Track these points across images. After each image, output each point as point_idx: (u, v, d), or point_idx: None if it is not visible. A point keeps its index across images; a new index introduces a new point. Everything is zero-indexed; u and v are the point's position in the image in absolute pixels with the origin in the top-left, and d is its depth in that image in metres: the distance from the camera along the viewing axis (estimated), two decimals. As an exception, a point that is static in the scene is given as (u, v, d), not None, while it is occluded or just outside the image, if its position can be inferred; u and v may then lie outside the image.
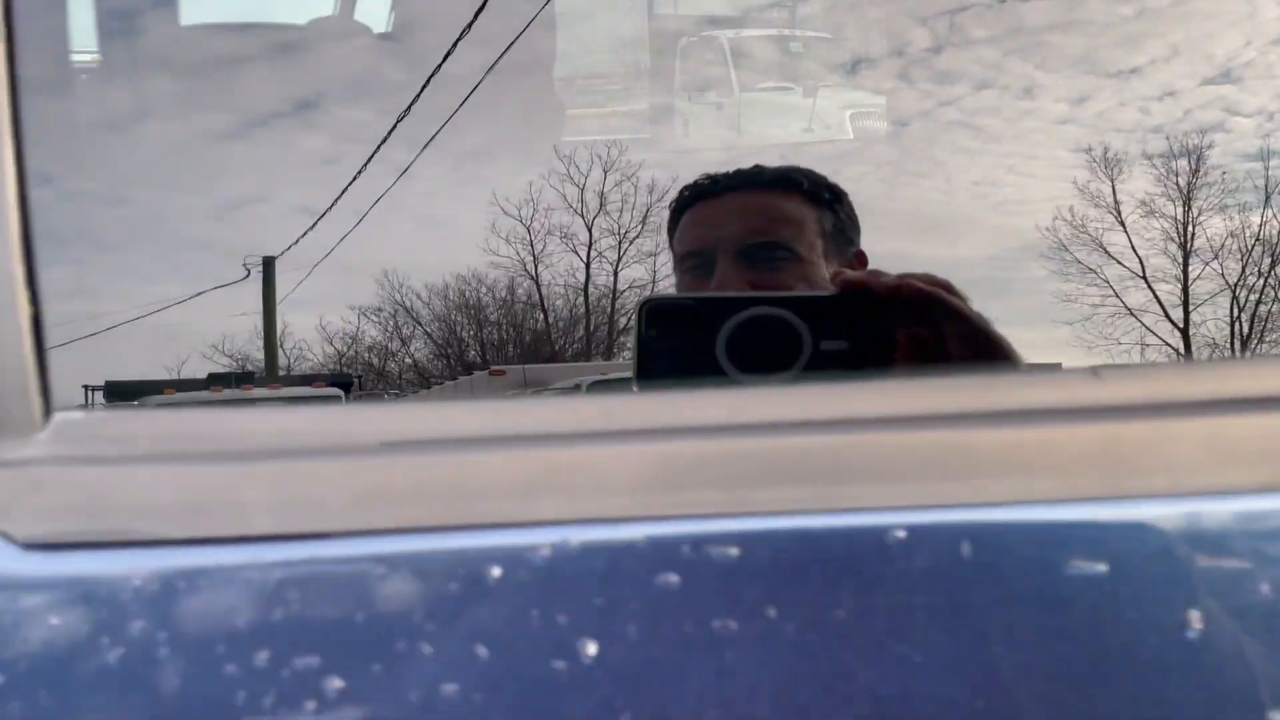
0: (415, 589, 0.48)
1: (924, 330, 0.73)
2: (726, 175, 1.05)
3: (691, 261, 1.02)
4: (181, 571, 0.48)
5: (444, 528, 0.48)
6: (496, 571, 0.47)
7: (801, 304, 0.70)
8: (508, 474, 0.48)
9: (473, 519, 0.48)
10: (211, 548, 0.48)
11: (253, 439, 0.50)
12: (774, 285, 0.95)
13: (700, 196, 1.05)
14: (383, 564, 0.48)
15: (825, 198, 1.04)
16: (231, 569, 0.48)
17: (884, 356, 0.70)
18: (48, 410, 0.51)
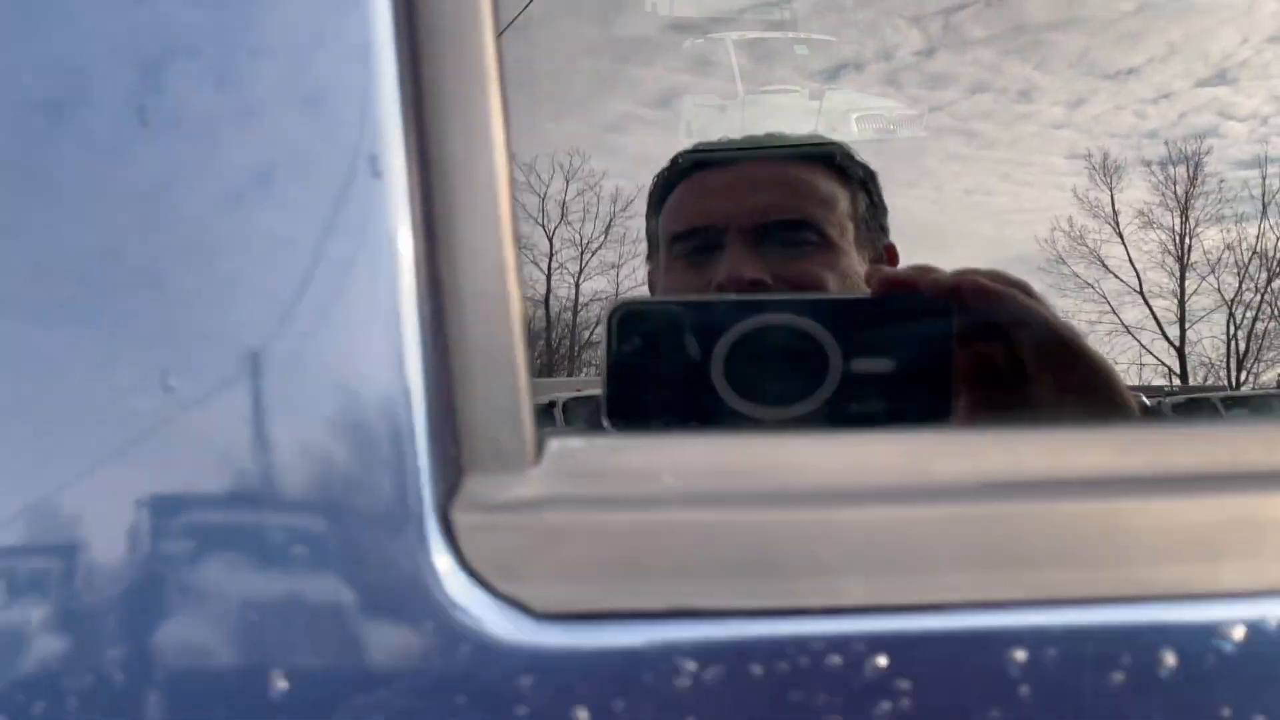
0: (1061, 679, 0.37)
1: (994, 346, 0.57)
2: (736, 141, 0.86)
3: (689, 242, 0.83)
4: (749, 651, 0.37)
5: (1097, 599, 0.37)
6: (1171, 659, 0.37)
7: (827, 310, 0.54)
8: (1181, 528, 0.37)
9: (1139, 588, 0.37)
10: (785, 620, 0.38)
11: (821, 475, 0.39)
12: (798, 275, 0.78)
13: (703, 164, 0.85)
14: (1020, 644, 0.37)
15: (858, 175, 0.86)
16: (817, 649, 0.37)
17: (938, 382, 0.53)
18: (540, 436, 0.40)
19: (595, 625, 0.38)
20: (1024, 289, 0.57)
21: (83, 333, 0.38)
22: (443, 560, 0.38)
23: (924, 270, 0.56)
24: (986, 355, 0.57)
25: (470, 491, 0.39)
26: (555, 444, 0.40)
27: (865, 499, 0.39)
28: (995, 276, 0.56)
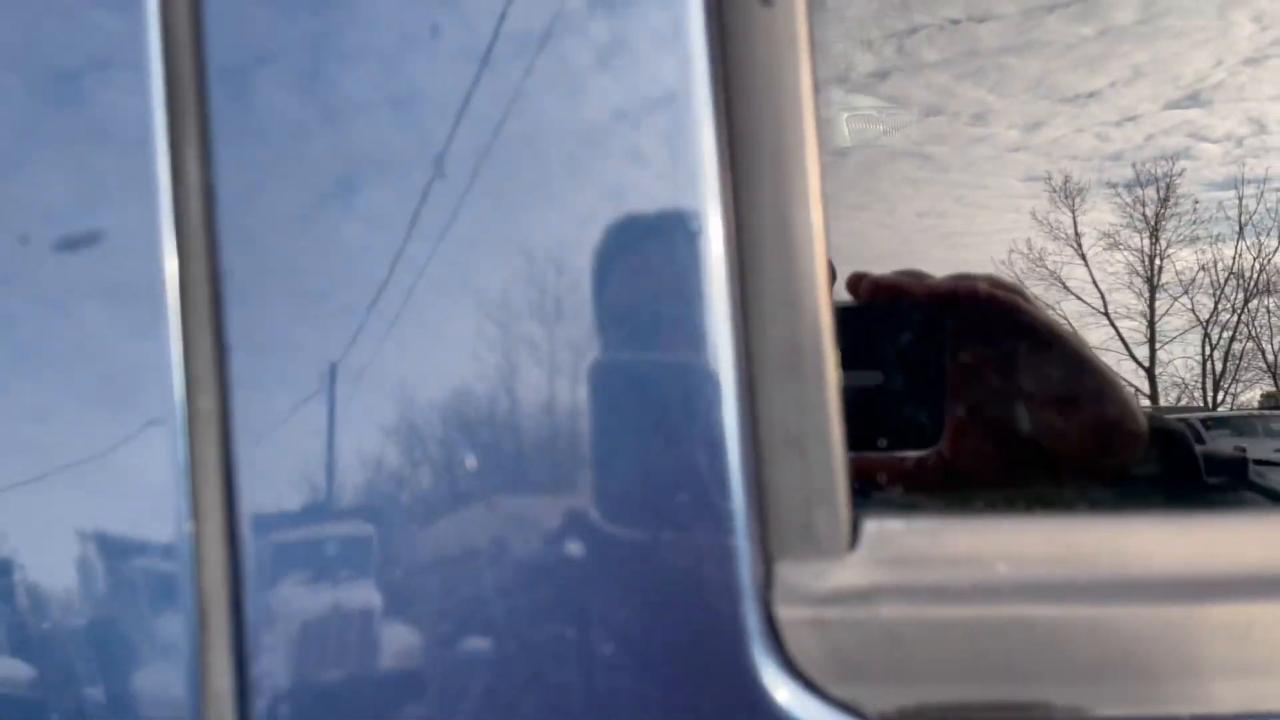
0: None
1: (989, 354, 0.53)
2: None
3: None
4: None
5: None
6: None
7: None
8: None
9: None
10: None
11: (1172, 563, 0.36)
12: None
13: None
14: None
15: None
16: (1191, 761, 0.33)
17: (930, 396, 0.49)
18: (855, 517, 0.36)
19: (938, 733, 0.34)
20: (1022, 295, 0.53)
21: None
22: (766, 659, 0.34)
23: (914, 274, 0.52)
24: (979, 367, 0.53)
25: (786, 580, 0.35)
26: (872, 526, 0.36)
27: (1228, 591, 0.35)
28: (992, 282, 0.52)
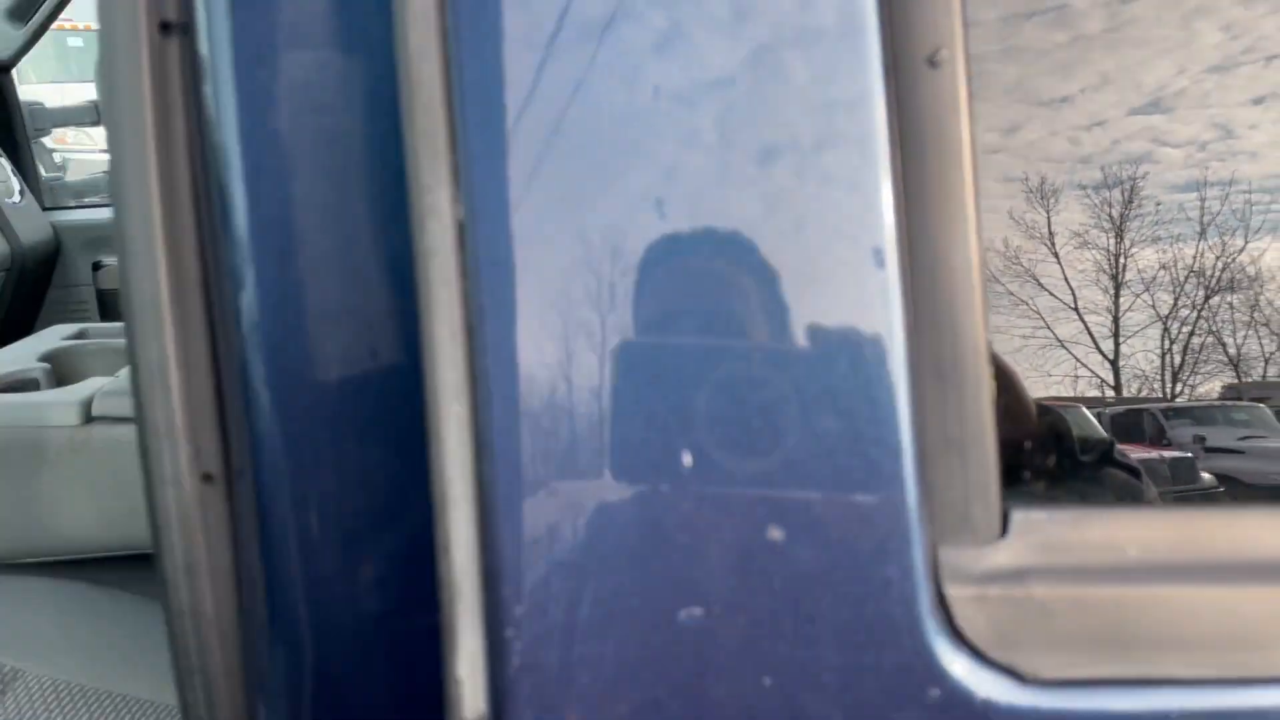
0: None
1: None
2: None
3: None
4: (1233, 719, 0.40)
5: None
6: None
7: None
8: None
9: None
10: (1265, 689, 0.40)
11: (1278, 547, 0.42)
12: None
13: None
14: None
15: None
16: (1296, 715, 0.40)
17: None
18: (1005, 508, 0.42)
19: (1083, 691, 0.40)
20: None
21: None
22: (938, 630, 0.40)
23: None
24: None
25: (950, 563, 0.41)
26: (1019, 516, 0.42)
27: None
28: None
